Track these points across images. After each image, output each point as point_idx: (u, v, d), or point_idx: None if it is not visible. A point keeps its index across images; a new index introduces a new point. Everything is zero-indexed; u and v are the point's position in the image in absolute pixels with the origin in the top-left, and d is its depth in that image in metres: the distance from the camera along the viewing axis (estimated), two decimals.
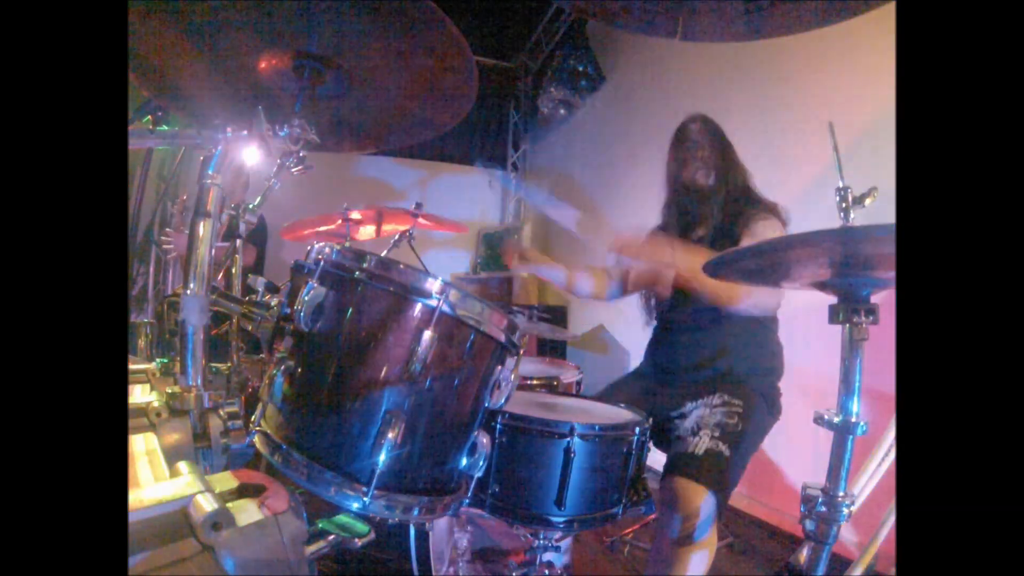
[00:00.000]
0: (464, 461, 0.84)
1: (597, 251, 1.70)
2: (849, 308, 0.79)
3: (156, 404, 0.78)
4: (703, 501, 1.06)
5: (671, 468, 1.14)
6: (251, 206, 1.16)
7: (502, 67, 4.84)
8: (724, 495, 1.10)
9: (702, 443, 1.14)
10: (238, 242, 1.20)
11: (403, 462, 0.76)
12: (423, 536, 1.16)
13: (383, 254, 0.82)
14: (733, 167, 1.47)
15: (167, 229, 1.96)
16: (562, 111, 4.20)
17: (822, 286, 0.84)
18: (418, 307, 0.75)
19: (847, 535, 1.81)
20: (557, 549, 1.28)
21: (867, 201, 0.82)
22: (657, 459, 1.24)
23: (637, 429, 1.04)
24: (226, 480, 0.62)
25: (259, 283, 0.86)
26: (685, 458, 1.13)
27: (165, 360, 1.01)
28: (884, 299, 0.79)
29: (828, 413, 0.81)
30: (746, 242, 1.29)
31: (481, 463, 0.86)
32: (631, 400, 1.29)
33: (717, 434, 1.15)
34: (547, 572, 1.17)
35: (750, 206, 1.42)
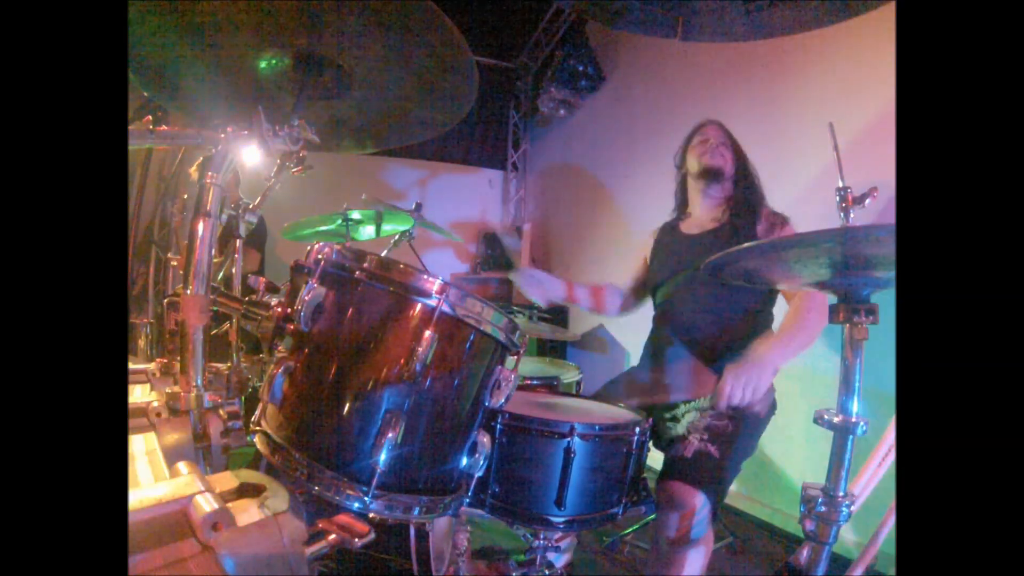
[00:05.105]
0: (464, 461, 0.84)
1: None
2: (849, 308, 0.79)
3: (156, 404, 0.78)
4: (697, 501, 1.09)
5: (665, 472, 1.17)
6: (250, 205, 1.16)
7: (502, 67, 4.84)
8: (717, 494, 1.12)
9: (691, 447, 1.16)
10: (238, 243, 1.20)
11: (403, 462, 0.76)
12: (423, 536, 1.15)
13: (383, 254, 0.82)
14: (746, 167, 1.53)
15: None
16: (562, 111, 4.19)
17: (822, 286, 0.84)
18: (418, 307, 0.75)
19: (847, 535, 1.81)
20: (557, 549, 1.29)
21: (867, 201, 0.82)
22: (657, 459, 1.24)
23: (637, 429, 1.04)
24: (226, 480, 0.62)
25: (259, 283, 0.85)
26: (677, 462, 1.16)
27: (165, 360, 1.01)
28: (884, 299, 0.79)
29: (828, 413, 0.81)
30: None
31: (481, 463, 0.86)
32: (629, 399, 1.30)
33: (706, 437, 1.18)
34: (547, 572, 1.17)
35: (763, 208, 1.46)
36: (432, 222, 2.28)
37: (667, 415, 1.30)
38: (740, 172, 1.52)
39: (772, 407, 1.38)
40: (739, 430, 1.21)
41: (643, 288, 1.68)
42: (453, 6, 0.88)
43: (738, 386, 1.14)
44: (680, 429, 1.23)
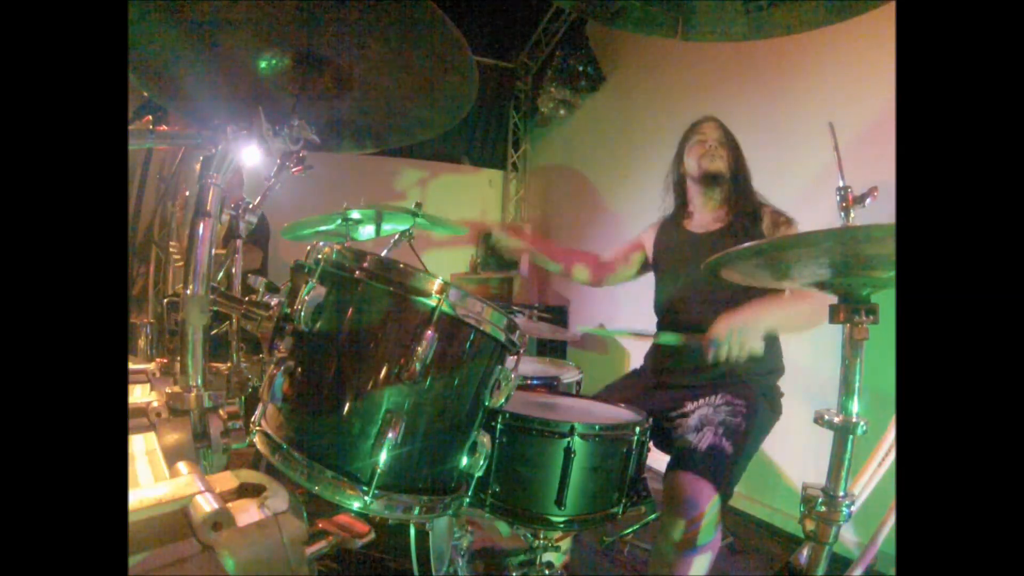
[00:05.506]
0: (464, 461, 0.84)
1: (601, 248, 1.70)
2: (849, 308, 0.79)
3: (156, 404, 0.78)
4: (706, 498, 1.06)
5: (674, 464, 1.14)
6: (250, 205, 1.16)
7: (502, 67, 4.83)
8: (726, 492, 1.10)
9: (705, 439, 1.15)
10: (239, 242, 1.20)
11: (403, 462, 0.76)
12: (423, 536, 1.15)
13: (383, 254, 0.82)
14: (742, 166, 1.52)
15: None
16: (562, 111, 4.19)
17: (822, 286, 0.84)
18: (418, 307, 0.75)
19: (847, 535, 1.81)
20: (557, 549, 1.28)
21: (867, 201, 0.82)
22: (658, 459, 1.24)
23: (637, 429, 1.04)
24: (226, 480, 0.62)
25: (259, 283, 0.86)
26: (688, 453, 1.13)
27: (165, 360, 1.01)
28: (884, 299, 0.79)
29: (828, 413, 0.81)
30: None
31: (481, 463, 0.86)
32: (631, 400, 1.29)
33: (721, 431, 1.16)
34: (547, 572, 1.17)
35: (763, 206, 1.46)
36: (436, 217, 2.27)
37: (674, 412, 1.30)
38: (737, 171, 1.50)
39: (778, 411, 1.38)
40: (751, 428, 1.20)
41: (626, 265, 1.68)
42: (453, 6, 0.88)
43: (726, 334, 1.10)
44: (692, 423, 1.23)
